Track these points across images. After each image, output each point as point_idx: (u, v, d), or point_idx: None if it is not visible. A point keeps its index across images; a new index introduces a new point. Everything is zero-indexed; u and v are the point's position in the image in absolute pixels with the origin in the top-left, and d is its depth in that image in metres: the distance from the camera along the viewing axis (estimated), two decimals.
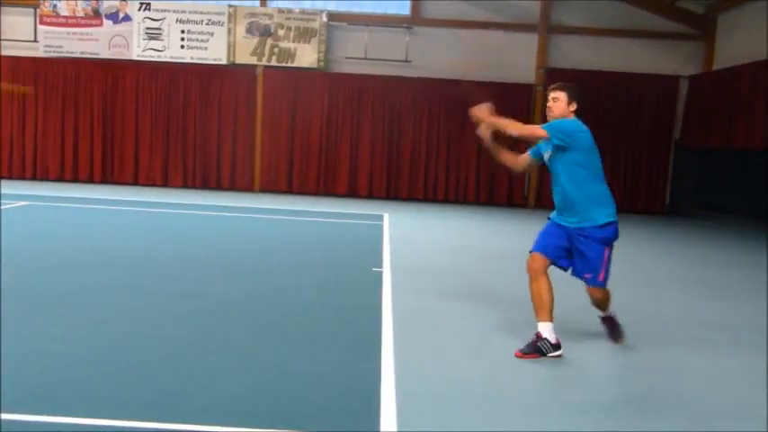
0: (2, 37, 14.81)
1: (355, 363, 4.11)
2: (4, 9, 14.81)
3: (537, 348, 4.30)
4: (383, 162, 14.91)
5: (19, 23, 14.85)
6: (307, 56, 14.68)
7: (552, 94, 4.49)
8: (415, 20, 14.85)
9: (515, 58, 14.82)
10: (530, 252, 4.52)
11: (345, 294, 5.94)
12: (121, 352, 4.07)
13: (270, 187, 15.04)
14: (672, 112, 14.91)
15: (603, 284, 4.44)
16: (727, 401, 3.86)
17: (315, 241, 8.87)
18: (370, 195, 14.95)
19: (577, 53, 14.83)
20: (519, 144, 4.54)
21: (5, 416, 3.07)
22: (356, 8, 15.04)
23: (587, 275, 4.42)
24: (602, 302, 4.62)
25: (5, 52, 14.80)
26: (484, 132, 4.51)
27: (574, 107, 4.47)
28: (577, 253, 4.44)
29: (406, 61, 14.79)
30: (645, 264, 8.74)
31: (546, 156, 4.53)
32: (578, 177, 4.34)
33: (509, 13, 14.84)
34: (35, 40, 14.76)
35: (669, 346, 4.87)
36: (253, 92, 14.90)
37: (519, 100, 14.81)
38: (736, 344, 5.07)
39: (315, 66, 14.70)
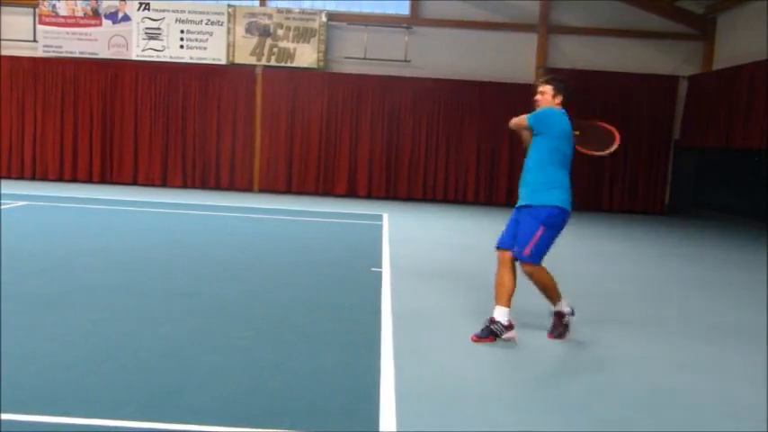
0: (1, 37, 14.80)
1: (354, 362, 4.11)
2: (3, 9, 14.80)
3: (491, 331, 4.57)
4: (382, 162, 14.91)
5: (18, 23, 14.85)
6: (306, 56, 14.68)
7: (540, 88, 4.84)
8: (414, 20, 14.85)
9: (515, 58, 14.83)
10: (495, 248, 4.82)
11: (344, 294, 5.94)
12: (120, 352, 4.07)
13: (269, 187, 15.04)
14: (671, 112, 14.91)
15: (527, 259, 4.58)
16: (726, 401, 3.86)
17: (314, 241, 8.87)
18: (370, 195, 14.95)
19: (577, 53, 14.84)
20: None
21: (5, 416, 3.07)
22: (355, 8, 15.04)
23: (515, 249, 4.63)
24: (536, 283, 4.72)
25: (5, 52, 14.79)
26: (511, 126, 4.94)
27: (559, 100, 4.76)
28: (518, 228, 4.68)
29: (405, 61, 14.79)
30: (644, 263, 8.75)
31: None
32: (541, 160, 4.63)
33: (508, 13, 14.85)
34: (34, 40, 14.76)
35: (669, 346, 4.88)
36: (252, 92, 14.90)
37: (518, 100, 14.77)
38: (736, 344, 5.08)
39: (314, 66, 14.70)
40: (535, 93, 4.86)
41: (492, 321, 4.58)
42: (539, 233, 4.54)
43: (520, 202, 4.71)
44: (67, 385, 3.51)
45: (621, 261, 8.77)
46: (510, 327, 4.57)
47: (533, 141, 4.69)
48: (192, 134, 14.93)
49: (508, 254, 4.68)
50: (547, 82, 4.80)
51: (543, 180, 4.60)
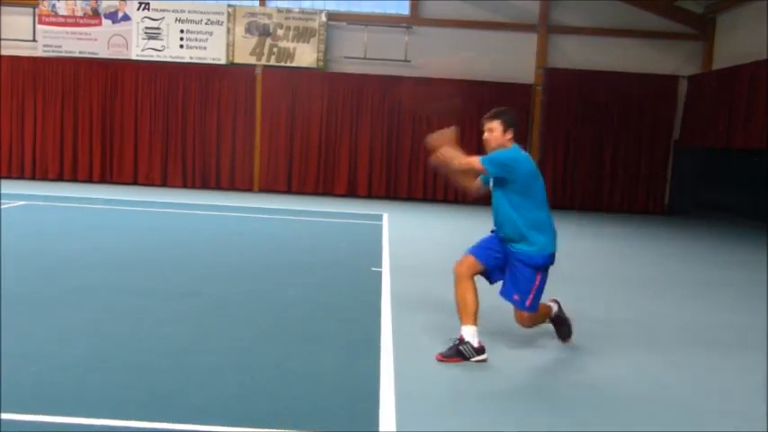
0: (1, 36, 14.79)
1: (354, 362, 4.11)
2: (3, 9, 14.79)
3: (458, 352, 4.21)
4: (382, 162, 14.91)
5: (18, 23, 14.84)
6: (306, 56, 14.68)
7: (486, 125, 4.42)
8: (414, 20, 14.85)
9: (515, 58, 14.83)
10: (464, 253, 4.47)
11: (344, 294, 5.94)
12: (120, 351, 4.07)
13: (269, 187, 15.03)
14: (671, 112, 14.90)
15: (530, 309, 4.34)
16: (726, 401, 3.86)
17: (314, 241, 8.87)
18: (370, 195, 14.94)
19: (577, 53, 14.84)
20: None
21: (5, 416, 3.07)
22: (355, 8, 15.04)
23: (515, 297, 4.34)
24: (527, 325, 4.50)
25: (5, 52, 14.78)
26: (435, 160, 4.52)
27: (510, 134, 4.37)
28: (510, 273, 4.37)
29: (405, 61, 14.79)
30: (644, 264, 8.74)
31: (490, 182, 4.50)
32: (518, 204, 4.26)
33: (508, 12, 14.84)
34: (34, 40, 14.75)
35: (669, 346, 4.88)
36: (252, 92, 14.89)
37: (518, 100, 14.81)
38: (736, 344, 5.08)
39: (314, 65, 14.70)
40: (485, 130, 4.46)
41: (461, 341, 4.21)
42: (537, 281, 4.29)
43: (507, 241, 4.36)
44: (67, 385, 3.51)
45: (621, 261, 8.76)
46: (481, 349, 4.21)
47: (500, 189, 4.32)
48: (191, 134, 14.93)
49: (476, 265, 4.37)
50: (493, 117, 4.41)
51: (530, 225, 4.26)
